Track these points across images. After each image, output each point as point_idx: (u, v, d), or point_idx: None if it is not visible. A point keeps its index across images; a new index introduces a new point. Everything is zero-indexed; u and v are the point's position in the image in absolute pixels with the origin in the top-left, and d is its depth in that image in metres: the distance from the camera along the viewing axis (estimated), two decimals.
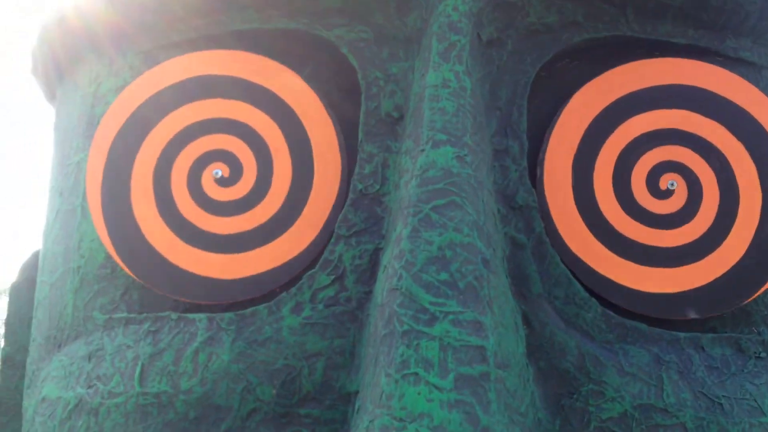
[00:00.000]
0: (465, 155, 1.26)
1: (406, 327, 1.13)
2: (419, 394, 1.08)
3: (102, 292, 1.54)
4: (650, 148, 1.46)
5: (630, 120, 1.46)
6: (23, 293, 2.12)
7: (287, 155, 1.46)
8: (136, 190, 1.49)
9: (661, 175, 1.45)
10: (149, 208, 1.48)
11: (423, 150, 1.27)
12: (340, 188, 1.44)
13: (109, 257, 1.54)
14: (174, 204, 1.48)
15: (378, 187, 1.40)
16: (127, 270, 1.47)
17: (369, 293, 1.35)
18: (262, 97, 1.50)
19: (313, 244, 1.43)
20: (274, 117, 1.49)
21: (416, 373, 1.09)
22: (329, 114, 1.47)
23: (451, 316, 1.13)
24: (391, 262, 1.22)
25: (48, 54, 1.85)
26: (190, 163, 1.49)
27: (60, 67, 1.83)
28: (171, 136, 1.50)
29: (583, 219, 1.43)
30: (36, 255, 2.14)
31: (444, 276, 1.16)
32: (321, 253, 1.42)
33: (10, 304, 2.15)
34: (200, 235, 1.47)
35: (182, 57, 1.54)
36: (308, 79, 1.50)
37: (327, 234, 1.43)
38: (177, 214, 1.48)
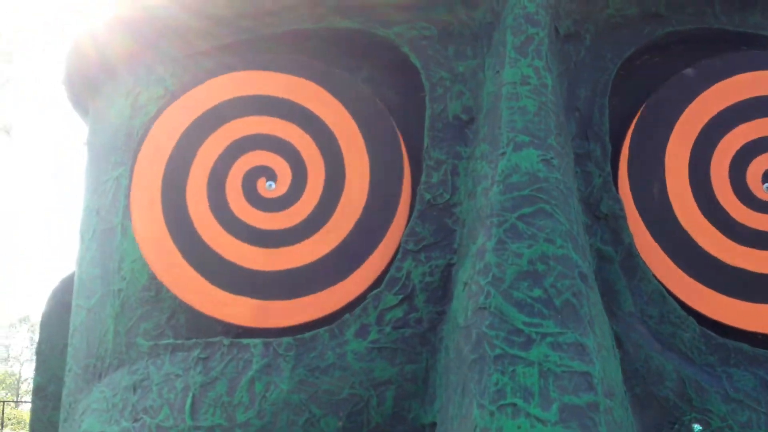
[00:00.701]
0: (551, 158, 1.14)
1: (498, 351, 1.00)
2: (519, 428, 0.95)
3: (146, 316, 1.43)
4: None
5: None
6: (54, 320, 2.01)
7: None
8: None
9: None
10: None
11: (504, 153, 1.16)
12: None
13: (153, 278, 1.43)
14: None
15: (448, 196, 1.28)
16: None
17: (442, 314, 1.23)
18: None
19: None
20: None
21: (514, 404, 0.96)
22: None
23: (549, 338, 1.00)
24: (474, 278, 1.10)
25: (80, 68, 1.75)
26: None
27: (93, 80, 1.73)
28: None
29: None
30: (66, 281, 2.03)
31: (538, 292, 1.04)
32: (386, 270, 1.30)
33: (41, 331, 2.04)
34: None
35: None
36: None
37: (378, 240, 1.32)
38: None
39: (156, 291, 1.43)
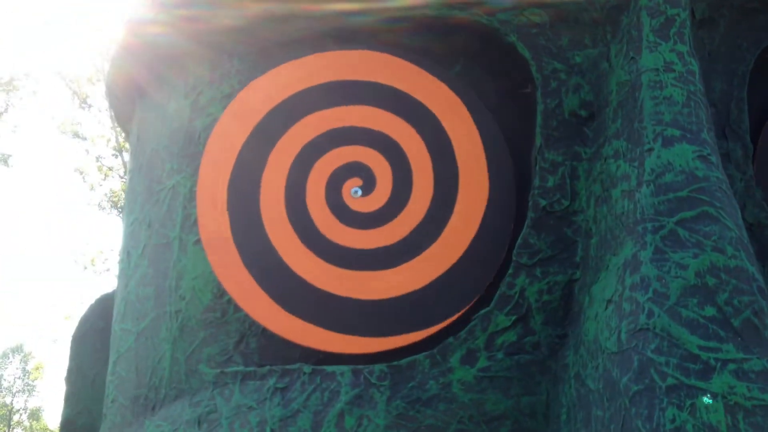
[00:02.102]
0: (708, 154, 0.98)
1: (671, 381, 0.84)
2: None
3: (210, 340, 1.26)
4: None
5: None
6: (87, 347, 1.83)
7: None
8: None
9: None
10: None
11: (651, 149, 1.00)
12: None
13: (218, 297, 1.26)
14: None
15: (567, 203, 1.12)
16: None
17: (563, 337, 1.07)
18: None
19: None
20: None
21: None
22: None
23: (731, 365, 0.83)
24: (625, 294, 0.93)
25: (126, 69, 1.60)
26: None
27: (140, 82, 1.58)
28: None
29: None
30: (103, 300, 1.86)
31: (710, 311, 0.87)
32: (494, 286, 1.14)
33: (71, 359, 1.86)
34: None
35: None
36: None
37: (497, 262, 1.16)
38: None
39: (222, 312, 1.26)
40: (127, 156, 16.60)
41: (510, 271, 1.11)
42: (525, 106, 1.23)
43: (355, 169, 1.22)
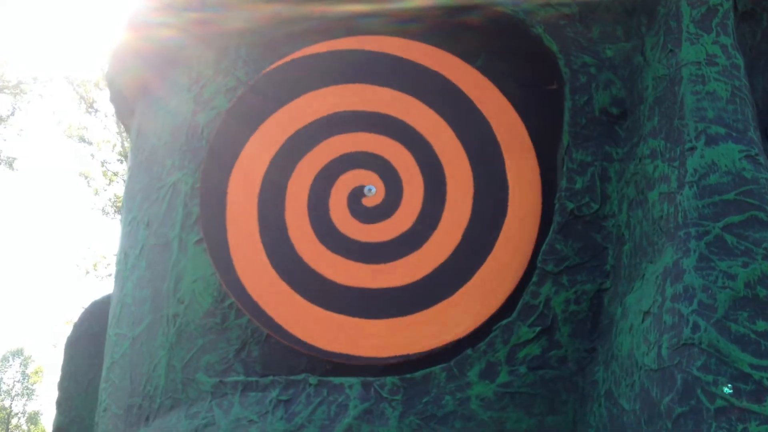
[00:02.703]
0: (756, 155, 0.90)
1: (721, 402, 0.76)
2: None
3: (209, 347, 1.18)
4: None
5: None
6: (80, 352, 1.76)
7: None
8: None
9: None
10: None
11: (693, 148, 0.92)
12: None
13: (218, 302, 1.18)
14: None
15: (596, 206, 1.04)
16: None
17: (592, 351, 0.99)
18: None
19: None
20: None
21: None
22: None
23: None
24: (665, 305, 0.85)
25: (128, 63, 1.53)
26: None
27: (142, 77, 1.51)
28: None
29: None
30: (98, 304, 1.78)
31: (763, 325, 0.79)
32: (517, 294, 1.05)
33: (64, 365, 1.79)
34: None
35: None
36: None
37: (519, 269, 1.08)
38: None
39: (222, 317, 1.18)
40: None
41: (534, 279, 1.03)
42: (549, 103, 1.16)
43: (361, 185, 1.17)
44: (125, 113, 1.68)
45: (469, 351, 1.02)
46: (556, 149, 1.15)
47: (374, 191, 1.14)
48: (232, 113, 1.22)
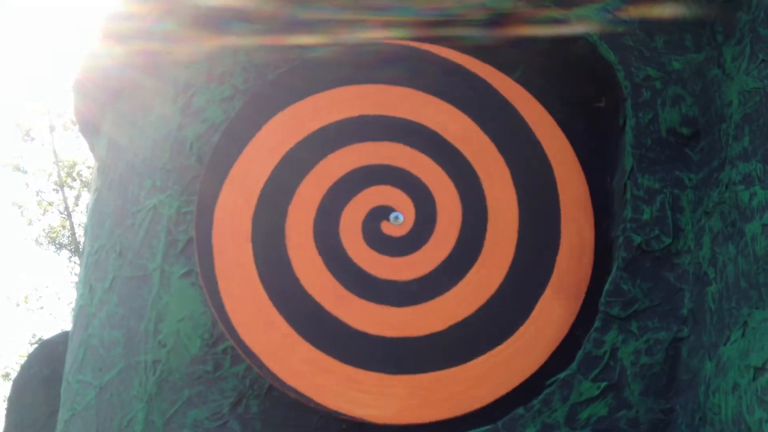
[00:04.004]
0: None
1: None
2: None
3: (197, 400, 0.99)
4: None
5: None
6: (28, 397, 1.54)
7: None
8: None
9: None
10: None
11: None
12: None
13: (209, 345, 1.00)
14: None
15: (668, 240, 0.90)
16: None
17: (669, 413, 0.84)
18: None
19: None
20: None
21: None
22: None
23: None
24: None
25: (99, 66, 1.34)
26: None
27: (116, 83, 1.32)
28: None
29: None
30: (50, 343, 1.57)
31: None
32: (575, 341, 0.90)
33: (9, 412, 1.56)
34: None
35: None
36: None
37: (572, 309, 0.93)
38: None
39: (215, 365, 1.00)
40: (68, 192, 16.05)
41: (597, 324, 0.88)
42: (594, 122, 1.02)
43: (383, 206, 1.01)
44: (89, 128, 1.48)
45: (520, 410, 0.86)
46: (599, 174, 1.01)
47: (401, 220, 0.98)
48: (233, 124, 1.05)
